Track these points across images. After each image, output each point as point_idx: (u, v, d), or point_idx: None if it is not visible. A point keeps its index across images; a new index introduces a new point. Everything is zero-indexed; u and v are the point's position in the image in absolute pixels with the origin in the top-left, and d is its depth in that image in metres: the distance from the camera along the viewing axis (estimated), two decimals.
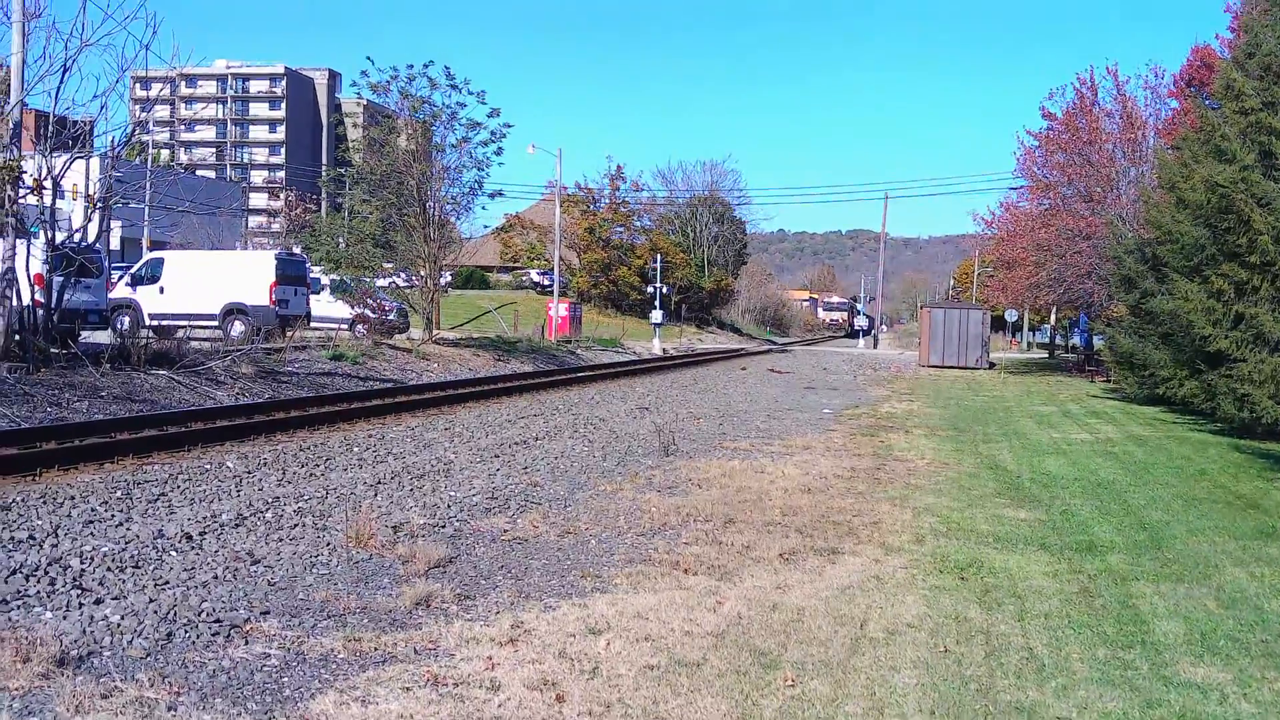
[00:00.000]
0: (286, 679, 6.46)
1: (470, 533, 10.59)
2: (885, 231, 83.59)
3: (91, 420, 16.10)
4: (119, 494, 11.16)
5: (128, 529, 9.69)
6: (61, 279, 20.85)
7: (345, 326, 35.66)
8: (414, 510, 11.34)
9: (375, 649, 6.99)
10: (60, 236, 21.17)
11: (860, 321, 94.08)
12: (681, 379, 34.74)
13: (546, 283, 71.90)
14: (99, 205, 22.27)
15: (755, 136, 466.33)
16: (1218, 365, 21.37)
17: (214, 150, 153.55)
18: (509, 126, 37.17)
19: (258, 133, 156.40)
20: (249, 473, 13.00)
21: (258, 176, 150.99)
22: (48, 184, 20.42)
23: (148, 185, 49.86)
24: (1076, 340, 64.78)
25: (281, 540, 9.70)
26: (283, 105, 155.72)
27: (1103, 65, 64.81)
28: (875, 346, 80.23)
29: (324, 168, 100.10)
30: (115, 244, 55.46)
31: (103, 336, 25.59)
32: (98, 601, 7.57)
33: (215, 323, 32.77)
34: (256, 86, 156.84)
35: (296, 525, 10.32)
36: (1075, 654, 7.44)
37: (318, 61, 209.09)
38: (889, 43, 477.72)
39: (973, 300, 78.47)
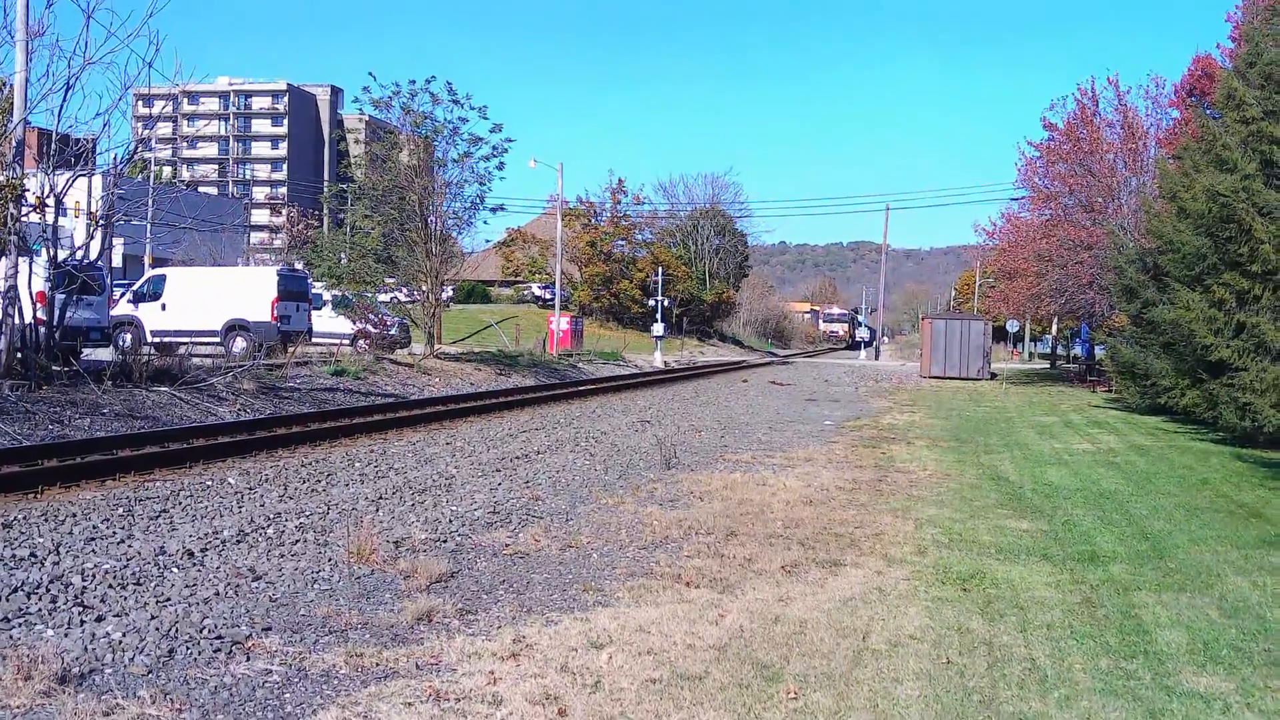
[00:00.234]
0: (288, 695, 6.46)
1: (471, 547, 10.58)
2: (886, 243, 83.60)
3: (94, 437, 16.12)
4: (121, 511, 11.16)
5: (129, 546, 9.69)
6: (64, 296, 20.89)
7: (347, 342, 35.70)
8: (415, 525, 11.33)
9: (377, 664, 6.98)
10: (62, 254, 21.21)
11: (862, 333, 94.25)
12: (683, 392, 34.74)
13: (548, 297, 72.03)
14: (101, 223, 22.33)
15: (757, 149, 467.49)
16: (1219, 374, 21.36)
17: (216, 167, 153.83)
18: (510, 141, 37.37)
19: (260, 149, 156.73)
20: (251, 489, 13.00)
21: (260, 193, 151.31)
22: (50, 202, 20.48)
23: (150, 202, 50.02)
24: (1078, 350, 64.84)
25: (283, 556, 9.70)
26: (285, 121, 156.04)
27: (1104, 76, 65.04)
28: (877, 358, 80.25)
29: (326, 183, 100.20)
30: (117, 261, 55.50)
31: (105, 353, 25.61)
32: (99, 619, 7.57)
33: (217, 339, 32.80)
34: (259, 103, 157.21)
35: (298, 541, 10.32)
36: (1078, 664, 7.43)
37: (320, 77, 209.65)
38: (891, 54, 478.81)
39: (974, 311, 78.51)
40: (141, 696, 6.21)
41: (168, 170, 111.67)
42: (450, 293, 62.60)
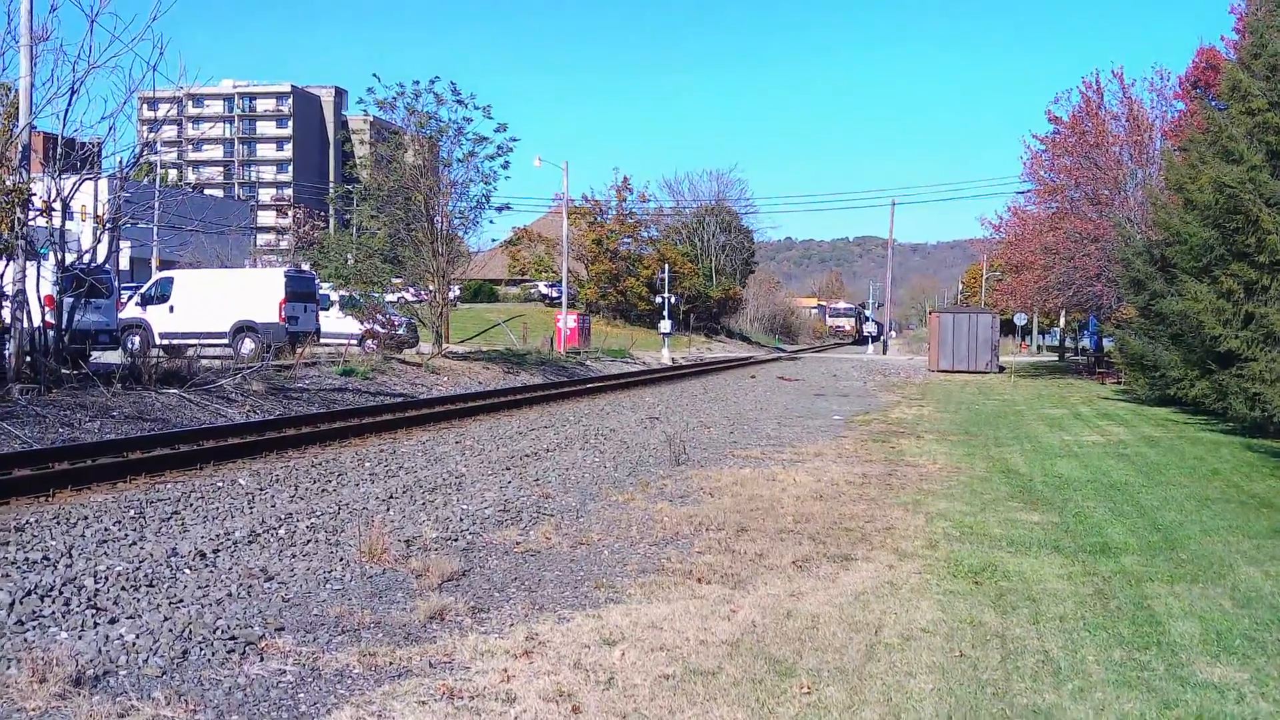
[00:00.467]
0: (302, 695, 6.47)
1: (483, 545, 10.59)
2: (893, 238, 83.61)
3: (104, 440, 16.15)
4: (132, 513, 11.19)
5: (141, 548, 9.71)
6: (72, 300, 20.95)
7: (355, 342, 35.74)
8: (426, 524, 11.34)
9: (390, 663, 6.99)
10: (70, 258, 21.29)
11: (869, 328, 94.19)
12: (691, 388, 34.73)
13: (555, 295, 72.12)
14: (108, 226, 22.39)
15: (762, 146, 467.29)
16: (1229, 365, 21.33)
17: (222, 169, 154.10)
18: (515, 140, 37.36)
19: (265, 151, 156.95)
20: (261, 489, 13.02)
21: (266, 195, 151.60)
22: (57, 206, 20.53)
23: (156, 205, 50.11)
24: (1086, 343, 64.76)
25: (295, 556, 9.71)
26: (289, 123, 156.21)
27: (1108, 68, 64.84)
28: (885, 352, 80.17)
29: (332, 185, 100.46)
30: (125, 264, 55.51)
31: (114, 356, 25.70)
32: (113, 621, 7.59)
33: (225, 341, 32.89)
34: (263, 105, 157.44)
35: (309, 541, 10.33)
36: (1091, 656, 7.42)
37: (324, 79, 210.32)
38: (896, 49, 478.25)
39: (982, 305, 78.40)
40: (156, 698, 6.23)
41: (174, 173, 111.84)
42: (457, 292, 62.56)
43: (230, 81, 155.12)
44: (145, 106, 35.96)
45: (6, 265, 19.61)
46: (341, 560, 9.59)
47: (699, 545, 10.73)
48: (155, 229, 54.92)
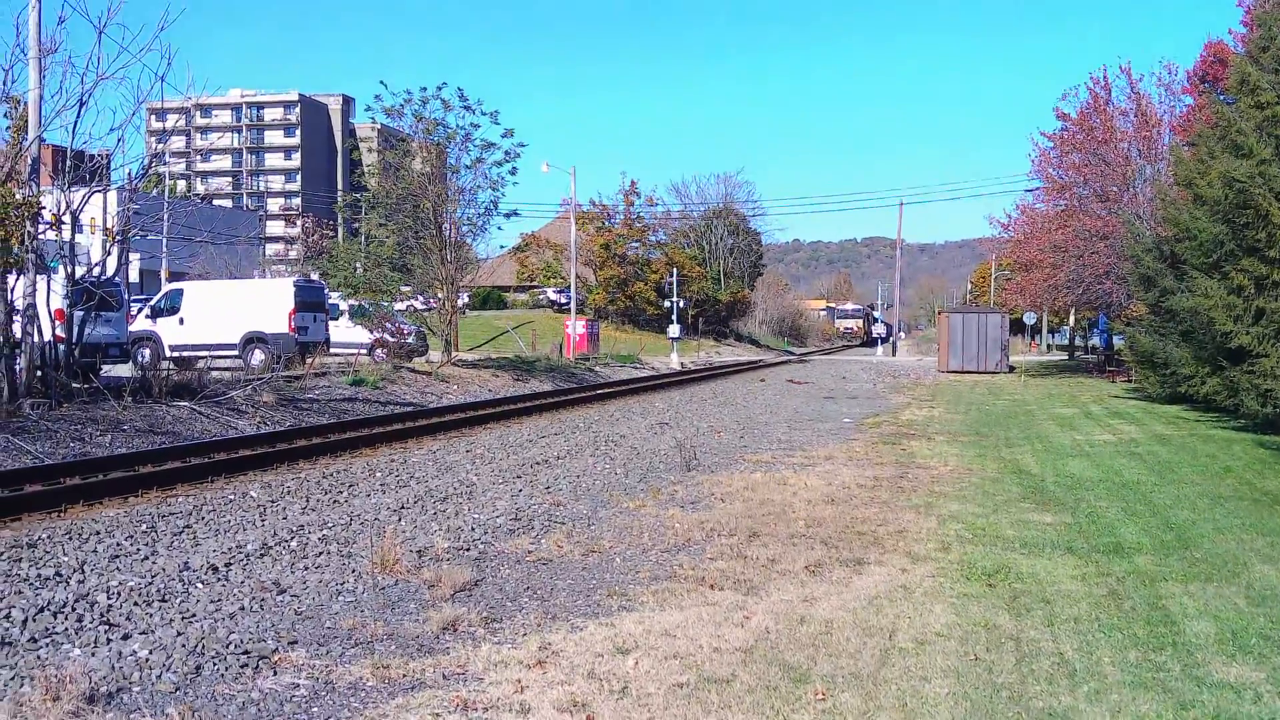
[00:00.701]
0: (316, 709, 6.46)
1: (495, 555, 10.59)
2: (901, 238, 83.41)
3: (115, 454, 16.17)
4: (144, 527, 11.20)
5: (153, 562, 9.72)
6: (82, 314, 20.99)
7: (365, 351, 35.77)
8: (438, 534, 11.34)
9: (404, 675, 6.99)
10: (80, 271, 21.31)
11: (878, 329, 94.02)
12: (701, 393, 34.71)
13: (564, 300, 72.05)
14: (118, 238, 22.42)
15: (769, 148, 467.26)
16: (1240, 361, 21.26)
17: (230, 179, 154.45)
18: (523, 146, 37.37)
19: (273, 160, 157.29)
20: (273, 502, 13.04)
21: (274, 204, 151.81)
22: (66, 219, 20.56)
23: (165, 217, 50.17)
24: (1096, 341, 64.65)
25: (307, 569, 9.71)
26: (297, 132, 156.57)
27: (1116, 64, 64.72)
28: (894, 354, 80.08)
29: (340, 193, 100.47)
30: (134, 276, 55.72)
31: (124, 369, 25.74)
32: (125, 637, 7.59)
33: (235, 352, 32.90)
34: (271, 114, 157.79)
35: (321, 553, 10.33)
36: (1106, 657, 7.39)
37: (331, 87, 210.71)
38: (901, 48, 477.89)
39: (991, 304, 78.27)
40: (169, 714, 6.23)
41: (182, 184, 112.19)
42: (466, 299, 62.67)
43: (238, 91, 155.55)
44: (154, 118, 35.96)
45: (17, 279, 19.64)
46: (354, 572, 9.59)
47: (711, 551, 10.72)
48: (164, 241, 55.05)
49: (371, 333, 35.89)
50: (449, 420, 22.66)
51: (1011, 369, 51.58)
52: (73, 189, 20.95)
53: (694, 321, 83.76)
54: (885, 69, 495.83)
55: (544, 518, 12.50)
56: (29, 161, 20.28)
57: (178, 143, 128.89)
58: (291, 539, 10.88)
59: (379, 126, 48.78)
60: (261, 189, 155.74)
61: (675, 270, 70.17)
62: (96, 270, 22.03)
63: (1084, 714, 6.38)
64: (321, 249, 64.33)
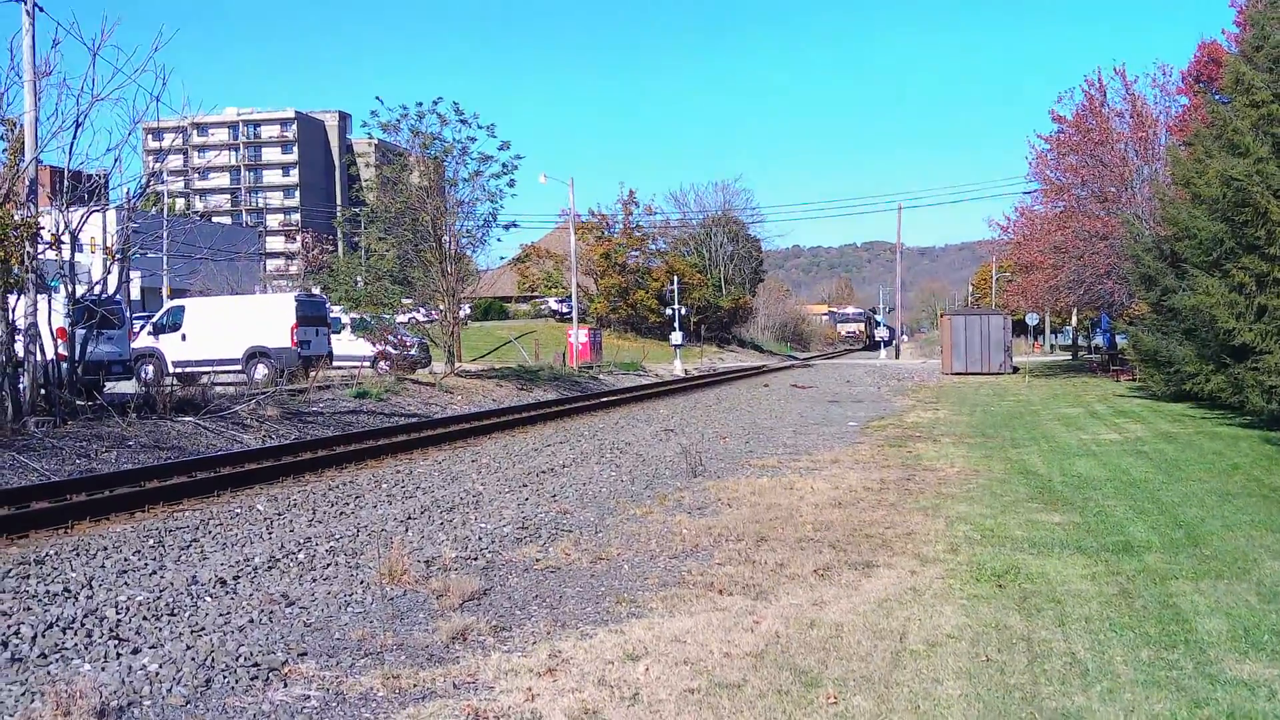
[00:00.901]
0: None
1: (502, 564, 10.57)
2: (900, 242, 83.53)
3: (121, 470, 16.19)
4: (151, 542, 11.19)
5: (162, 577, 9.71)
6: (84, 332, 21.02)
7: (368, 364, 35.78)
8: (445, 544, 11.32)
9: (414, 685, 6.97)
10: (80, 290, 21.34)
11: (881, 332, 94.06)
12: (705, 399, 34.70)
13: (565, 310, 72.08)
14: (118, 257, 22.45)
15: (766, 154, 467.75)
16: (1243, 358, 21.23)
17: (229, 196, 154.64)
18: (520, 158, 37.47)
19: (271, 177, 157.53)
20: (279, 514, 13.03)
21: (273, 220, 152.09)
22: (65, 238, 20.60)
23: (164, 235, 50.22)
24: (1099, 340, 64.55)
25: (315, 580, 9.70)
26: (295, 148, 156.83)
27: (1110, 66, 64.71)
28: (897, 357, 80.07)
29: (339, 208, 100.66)
30: (136, 294, 55.66)
31: (128, 386, 25.77)
32: (135, 651, 7.58)
33: (239, 367, 32.92)
34: (268, 131, 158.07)
35: (329, 565, 10.32)
36: (1118, 656, 7.36)
37: (328, 103, 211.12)
38: (896, 51, 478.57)
39: (992, 306, 78.26)
40: None
41: (181, 202, 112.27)
42: (468, 310, 62.62)
43: (234, 109, 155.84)
44: (151, 137, 35.96)
45: (18, 299, 19.67)
46: (362, 583, 9.57)
47: (719, 557, 10.69)
48: (165, 258, 55.11)
49: (374, 345, 35.91)
50: (453, 430, 22.65)
51: (1015, 370, 51.53)
52: (71, 209, 20.99)
53: (696, 328, 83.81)
54: (881, 73, 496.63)
55: (551, 526, 12.48)
56: (26, 183, 20.32)
57: (176, 162, 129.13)
58: (299, 551, 10.87)
59: (376, 142, 48.95)
60: (261, 205, 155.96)
61: (676, 278, 70.27)
62: (97, 289, 22.06)
63: (1097, 714, 6.35)
64: (322, 264, 64.42)
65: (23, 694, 6.65)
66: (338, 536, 11.66)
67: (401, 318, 38.96)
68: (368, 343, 36.31)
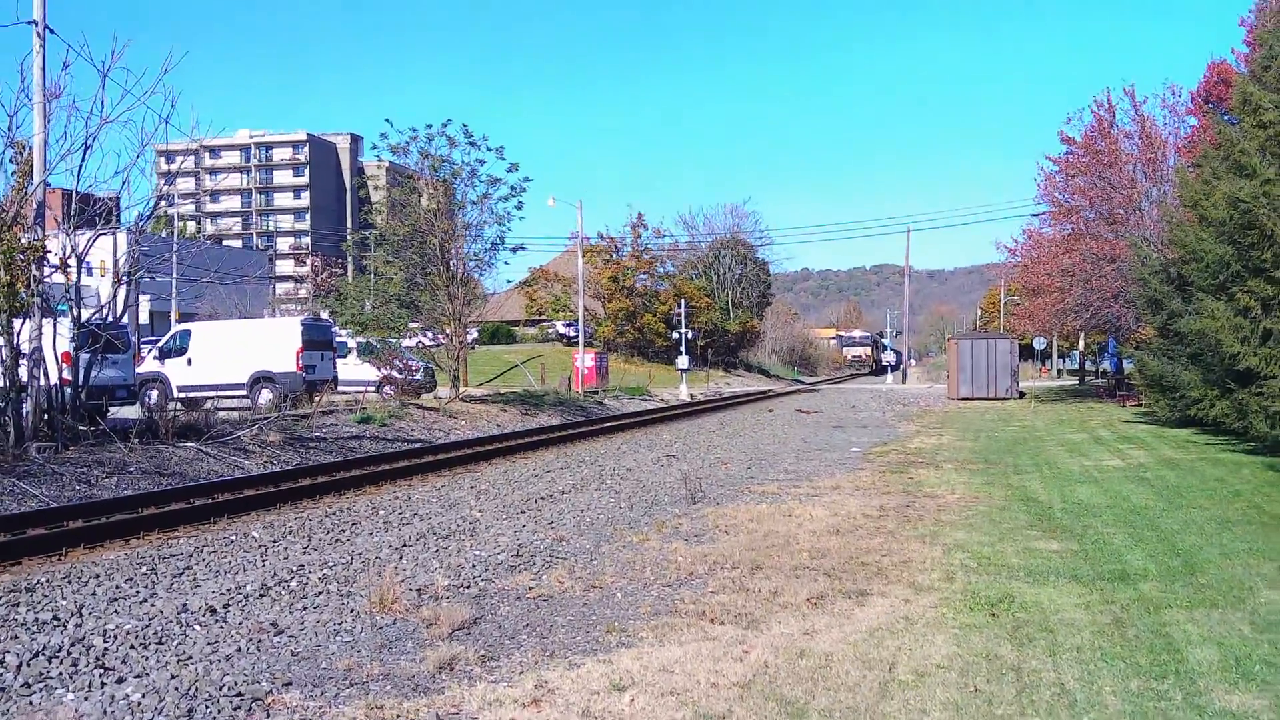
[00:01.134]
0: None
1: (495, 592, 10.53)
2: (909, 265, 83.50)
3: (120, 497, 16.16)
4: (144, 570, 11.18)
5: (152, 605, 9.69)
6: (88, 356, 21.05)
7: (373, 388, 35.84)
8: (438, 572, 11.29)
9: (397, 715, 6.93)
10: (86, 314, 21.39)
11: (888, 356, 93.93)
12: (709, 424, 34.65)
13: (572, 334, 72.20)
14: (125, 281, 22.50)
15: (775, 177, 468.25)
16: (1248, 383, 21.13)
17: (240, 219, 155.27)
18: (528, 180, 37.52)
19: (282, 200, 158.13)
20: (274, 542, 13.01)
21: (284, 243, 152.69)
22: (72, 262, 20.65)
23: (174, 258, 50.44)
24: (1107, 365, 64.36)
25: (305, 609, 9.67)
26: (306, 171, 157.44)
27: (1119, 87, 64.68)
28: (904, 381, 79.92)
29: (349, 231, 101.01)
30: (144, 317, 55.93)
31: (131, 411, 25.80)
32: (120, 680, 7.56)
33: (243, 392, 33.01)
34: (279, 154, 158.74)
35: (321, 593, 10.29)
36: (1108, 687, 7.30)
37: (339, 126, 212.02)
38: (906, 72, 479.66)
39: (1000, 329, 78.12)
40: None
41: (192, 225, 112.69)
42: (475, 334, 62.69)
43: (246, 131, 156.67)
44: (163, 159, 36.11)
45: (23, 323, 19.71)
46: (352, 611, 9.54)
47: (713, 585, 10.64)
48: (173, 282, 55.32)
49: (379, 370, 35.99)
50: (455, 456, 22.62)
51: (1022, 395, 51.42)
52: (79, 232, 21.05)
53: (703, 352, 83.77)
54: (891, 95, 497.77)
55: (546, 553, 12.45)
56: (34, 205, 20.38)
57: (187, 184, 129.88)
58: (291, 579, 10.85)
59: (387, 165, 49.17)
60: (271, 228, 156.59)
61: (683, 301, 70.27)
62: (103, 313, 22.10)
63: None
64: (331, 287, 64.61)
65: None
66: (331, 564, 11.63)
67: (408, 342, 39.08)
68: (373, 367, 36.41)
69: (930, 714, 6.85)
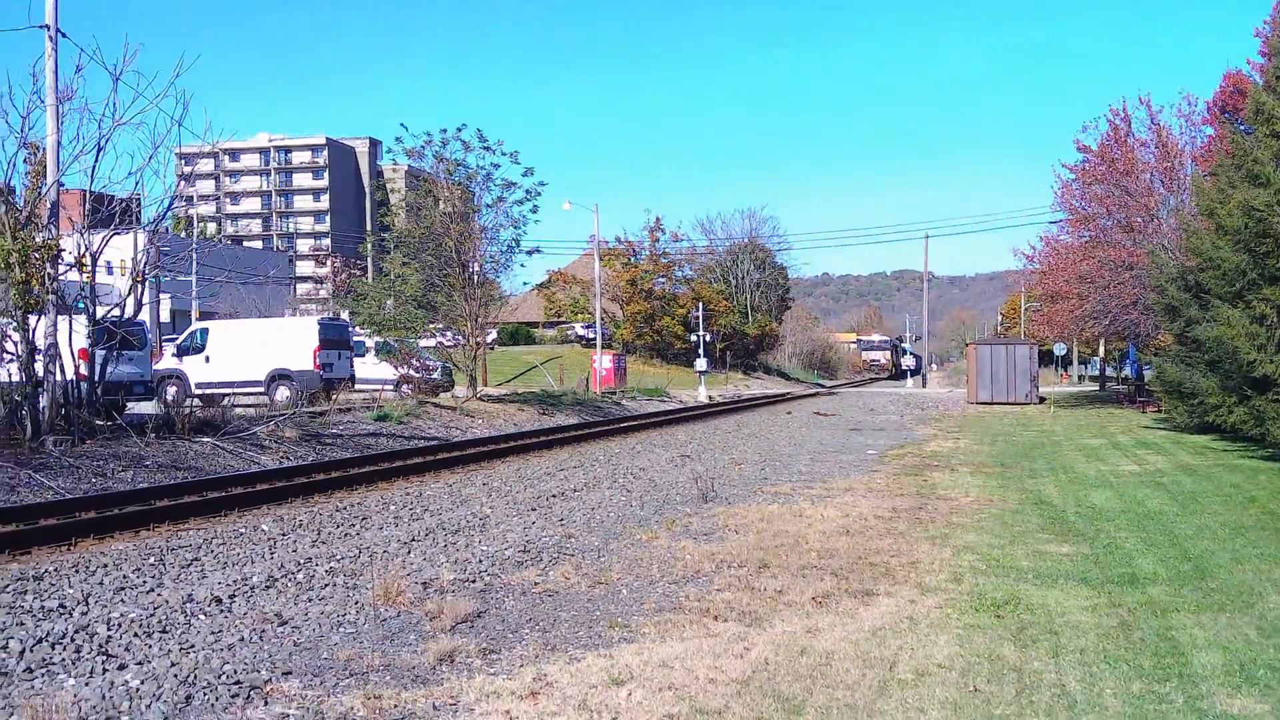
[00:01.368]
0: None
1: (500, 587, 10.53)
2: (928, 270, 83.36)
3: (134, 489, 16.25)
4: (152, 560, 11.23)
5: (158, 594, 9.74)
6: (104, 352, 21.16)
7: (390, 387, 35.94)
8: (445, 566, 11.31)
9: (394, 706, 6.94)
10: (102, 311, 21.52)
11: (908, 361, 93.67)
12: (725, 425, 34.61)
13: (591, 336, 72.20)
14: (141, 279, 22.62)
15: (794, 182, 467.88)
16: (1265, 390, 21.00)
17: (260, 220, 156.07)
18: (543, 184, 37.56)
19: (302, 202, 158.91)
20: (284, 534, 13.05)
21: (304, 245, 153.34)
22: (88, 260, 20.78)
23: (193, 258, 50.69)
24: (1128, 371, 64.04)
25: (310, 600, 9.70)
26: (325, 174, 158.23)
27: (1135, 96, 64.44)
28: (924, 386, 79.74)
29: (367, 233, 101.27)
30: (165, 316, 56.29)
31: (149, 407, 25.93)
32: (121, 667, 7.59)
33: (261, 389, 33.12)
34: (299, 157, 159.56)
35: (327, 585, 10.32)
36: (1109, 689, 7.26)
37: (359, 129, 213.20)
38: (925, 78, 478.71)
39: (1021, 335, 77.83)
40: None
41: (212, 226, 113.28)
42: (494, 335, 62.80)
43: (266, 135, 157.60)
44: (182, 162, 36.35)
45: (39, 320, 19.85)
46: (357, 604, 9.56)
47: (719, 583, 10.63)
48: (194, 281, 55.61)
49: (397, 369, 36.11)
50: (469, 454, 22.66)
51: (1041, 400, 51.20)
52: (93, 231, 21.20)
53: (722, 355, 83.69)
54: (910, 102, 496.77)
55: (554, 550, 12.45)
56: (48, 205, 20.54)
57: (207, 186, 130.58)
58: (298, 571, 10.88)
59: (404, 168, 49.36)
60: (291, 230, 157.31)
61: (701, 304, 70.18)
62: (119, 310, 22.23)
63: None
64: (350, 288, 64.83)
65: (2, 708, 6.67)
66: (339, 557, 11.66)
67: (426, 342, 39.19)
68: (391, 366, 36.54)
69: (928, 713, 6.82)
